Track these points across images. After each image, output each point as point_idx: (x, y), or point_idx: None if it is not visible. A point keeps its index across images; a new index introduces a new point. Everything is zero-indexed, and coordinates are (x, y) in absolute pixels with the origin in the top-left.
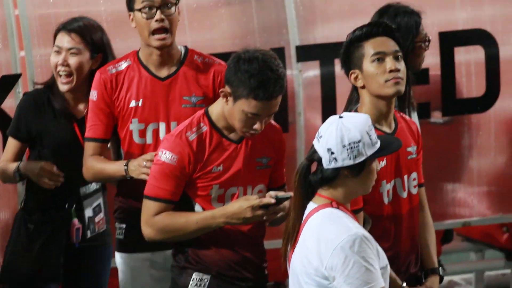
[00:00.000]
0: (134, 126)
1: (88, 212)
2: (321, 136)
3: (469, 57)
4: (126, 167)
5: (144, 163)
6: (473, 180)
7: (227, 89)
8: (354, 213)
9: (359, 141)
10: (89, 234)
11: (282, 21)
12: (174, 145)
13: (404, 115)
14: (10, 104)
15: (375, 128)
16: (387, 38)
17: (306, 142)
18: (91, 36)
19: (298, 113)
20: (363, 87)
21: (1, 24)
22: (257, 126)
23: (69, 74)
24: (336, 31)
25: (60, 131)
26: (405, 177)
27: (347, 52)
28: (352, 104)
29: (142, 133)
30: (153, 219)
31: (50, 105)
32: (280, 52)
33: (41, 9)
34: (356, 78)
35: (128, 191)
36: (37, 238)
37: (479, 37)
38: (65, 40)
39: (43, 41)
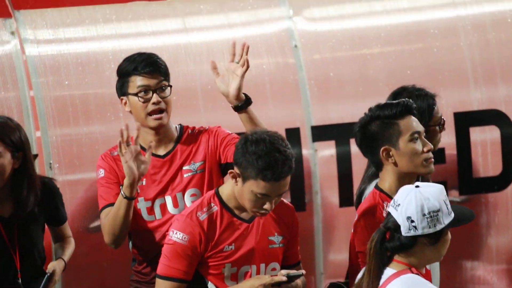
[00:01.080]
0: (141, 204)
1: None
2: (398, 205)
3: (485, 137)
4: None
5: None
6: (492, 258)
7: (236, 170)
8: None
9: (438, 210)
10: None
11: (297, 102)
12: (185, 225)
13: None
14: None
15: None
16: (414, 118)
17: (323, 220)
18: (9, 137)
19: (315, 192)
20: (395, 164)
21: (17, 105)
22: (267, 206)
23: None
24: (351, 111)
25: None
26: None
27: (375, 129)
28: (366, 180)
29: (150, 210)
30: None
31: None
32: (295, 132)
33: (56, 91)
34: (388, 154)
35: (142, 272)
36: None
37: (494, 117)
38: None
39: (59, 122)
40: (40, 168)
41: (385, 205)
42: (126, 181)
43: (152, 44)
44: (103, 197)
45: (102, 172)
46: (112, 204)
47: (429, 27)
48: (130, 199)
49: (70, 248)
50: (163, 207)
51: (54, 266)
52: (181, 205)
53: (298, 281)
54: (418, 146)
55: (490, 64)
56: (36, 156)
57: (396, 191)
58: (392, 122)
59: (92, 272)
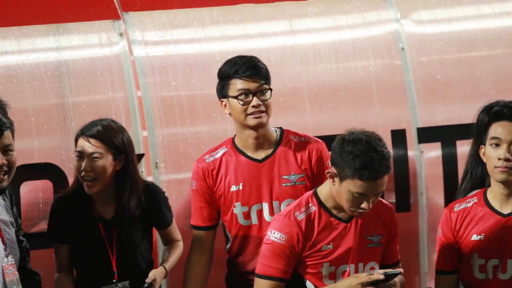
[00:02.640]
0: (237, 209)
1: None
2: None
3: None
4: None
5: None
6: None
7: (333, 170)
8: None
9: None
10: None
11: (403, 103)
12: (283, 225)
13: None
14: None
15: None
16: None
17: (428, 221)
18: (111, 140)
19: (420, 193)
20: None
21: (125, 105)
22: (364, 205)
23: (93, 179)
24: (457, 113)
25: (87, 233)
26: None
27: (483, 128)
28: (467, 181)
29: (247, 215)
30: None
31: (77, 208)
32: (401, 133)
33: (163, 92)
34: (483, 154)
35: (237, 273)
36: None
37: None
38: (86, 146)
39: (165, 122)
40: (146, 167)
41: None
42: None
43: (259, 46)
44: (193, 212)
45: (194, 185)
46: (199, 228)
47: None
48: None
49: (175, 254)
50: (259, 213)
51: (155, 274)
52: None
53: (396, 280)
54: (495, 151)
55: None
56: (142, 155)
57: (498, 197)
58: (490, 123)
59: None
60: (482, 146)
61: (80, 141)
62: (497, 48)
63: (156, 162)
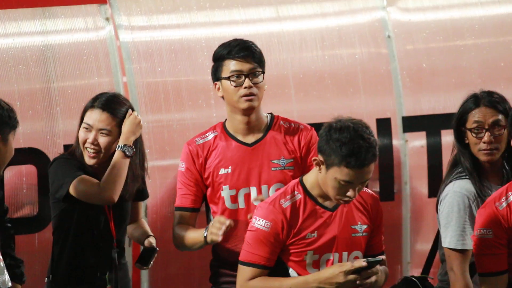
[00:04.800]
0: (225, 192)
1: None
2: None
3: None
4: (205, 233)
5: (216, 224)
6: None
7: (320, 157)
8: (499, 274)
9: None
10: None
11: (389, 92)
12: (268, 212)
13: None
14: None
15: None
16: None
17: (411, 210)
18: (122, 115)
19: (404, 182)
20: None
21: (110, 91)
22: (350, 193)
23: (96, 151)
24: (443, 103)
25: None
26: None
27: None
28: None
29: (234, 199)
30: (247, 284)
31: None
32: (386, 122)
33: (148, 78)
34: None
35: (223, 259)
36: None
37: None
38: (96, 119)
39: (151, 108)
40: None
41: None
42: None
43: (245, 32)
44: (179, 194)
45: (182, 166)
46: (184, 209)
47: None
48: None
49: (147, 225)
50: (247, 197)
51: (150, 240)
52: (266, 198)
53: (379, 267)
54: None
55: None
56: None
57: None
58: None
59: (178, 256)
60: None
61: (92, 113)
62: (483, 37)
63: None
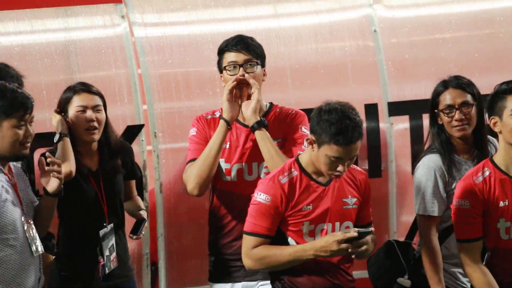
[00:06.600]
0: (222, 164)
1: (106, 252)
2: None
3: None
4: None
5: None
6: None
7: (312, 137)
8: (475, 241)
9: None
10: (107, 271)
11: (375, 80)
12: (268, 188)
13: None
14: (135, 150)
15: (503, 173)
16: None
17: (397, 186)
18: (103, 97)
19: (390, 161)
20: (500, 132)
21: (126, 82)
22: (340, 168)
23: (97, 128)
24: (424, 90)
25: (80, 182)
26: None
27: (491, 100)
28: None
29: (228, 172)
30: (251, 252)
31: None
32: (373, 107)
33: (160, 69)
34: (495, 124)
35: (218, 230)
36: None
37: None
38: (89, 99)
39: (163, 96)
40: (146, 137)
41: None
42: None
43: (246, 28)
44: (191, 151)
45: (194, 131)
46: (195, 159)
47: (495, 14)
48: (228, 124)
49: (141, 202)
50: (240, 172)
51: (142, 214)
52: (255, 174)
53: (368, 237)
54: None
55: None
56: (142, 126)
57: (505, 161)
58: (502, 96)
59: (190, 228)
60: (494, 117)
61: (83, 96)
62: (460, 31)
63: (155, 132)
